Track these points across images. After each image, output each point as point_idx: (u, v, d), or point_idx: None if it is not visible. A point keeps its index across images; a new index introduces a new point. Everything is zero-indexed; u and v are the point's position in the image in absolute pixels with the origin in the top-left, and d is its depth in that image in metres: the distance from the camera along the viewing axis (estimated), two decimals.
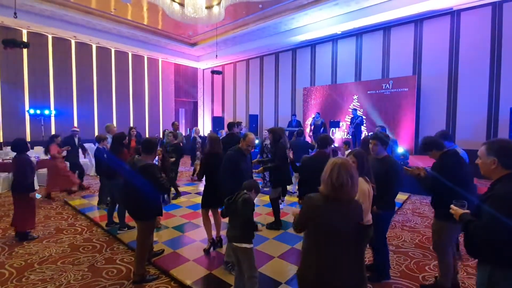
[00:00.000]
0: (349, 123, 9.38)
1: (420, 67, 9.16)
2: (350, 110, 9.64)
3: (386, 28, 9.78)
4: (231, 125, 5.57)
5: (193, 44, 13.63)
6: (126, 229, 4.23)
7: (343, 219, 1.57)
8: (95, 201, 5.76)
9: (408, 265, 3.27)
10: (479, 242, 1.48)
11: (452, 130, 8.53)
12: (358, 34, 10.41)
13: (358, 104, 9.82)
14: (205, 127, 16.44)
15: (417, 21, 9.14)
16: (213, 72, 11.37)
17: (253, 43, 12.24)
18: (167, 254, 3.48)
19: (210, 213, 3.63)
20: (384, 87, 9.31)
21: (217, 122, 12.28)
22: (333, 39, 11.03)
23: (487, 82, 8.01)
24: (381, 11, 8.69)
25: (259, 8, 9.74)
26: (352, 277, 1.58)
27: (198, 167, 6.62)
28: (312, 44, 11.71)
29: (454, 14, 8.49)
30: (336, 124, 9.45)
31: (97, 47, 12.38)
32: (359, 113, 9.35)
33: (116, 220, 4.37)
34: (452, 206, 1.75)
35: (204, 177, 3.61)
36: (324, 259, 1.56)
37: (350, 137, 8.78)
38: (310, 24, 10.34)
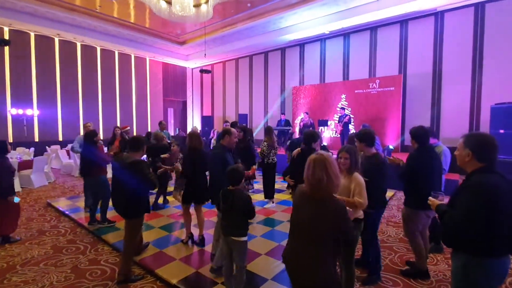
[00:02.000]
0: (337, 121, 9.48)
1: (406, 66, 9.34)
2: (338, 109, 9.74)
3: (372, 28, 9.93)
4: (234, 125, 5.63)
5: (182, 43, 13.50)
6: (106, 223, 4.26)
7: (318, 217, 1.57)
8: (79, 202, 5.64)
9: (392, 259, 3.33)
10: (453, 232, 1.52)
11: (436, 127, 8.73)
12: (345, 34, 10.54)
13: (346, 103, 9.95)
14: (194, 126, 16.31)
15: (403, 21, 9.32)
16: (201, 71, 11.29)
17: (242, 42, 12.22)
18: (153, 253, 3.43)
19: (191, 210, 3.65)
20: (371, 86, 9.46)
21: (206, 121, 12.20)
22: (321, 38, 11.13)
23: (470, 81, 8.24)
24: (368, 11, 8.82)
25: (247, 7, 9.73)
26: (315, 273, 1.57)
27: None
28: (301, 44, 11.79)
29: (438, 15, 8.70)
30: (325, 123, 9.54)
31: (82, 45, 12.12)
32: (347, 111, 9.47)
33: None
34: (430, 198, 1.79)
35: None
36: (291, 245, 1.72)
37: (339, 135, 8.88)
38: (299, 24, 10.40)
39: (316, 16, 9.81)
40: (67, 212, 5.04)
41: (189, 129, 15.37)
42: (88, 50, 12.34)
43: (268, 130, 5.13)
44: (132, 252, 2.97)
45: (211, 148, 7.54)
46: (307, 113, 9.67)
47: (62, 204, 5.61)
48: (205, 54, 11.22)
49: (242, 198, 2.41)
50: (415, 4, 8.20)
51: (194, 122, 16.62)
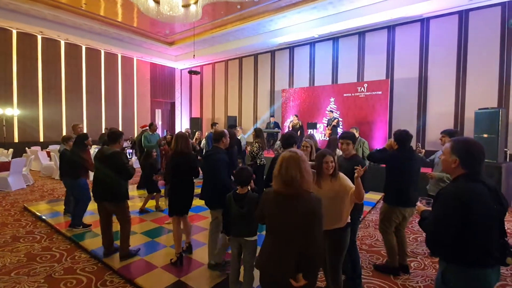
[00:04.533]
0: (326, 125, 9.49)
1: (393, 71, 9.47)
2: (328, 112, 9.77)
3: (361, 33, 10.03)
4: (232, 127, 5.56)
5: (170, 43, 13.30)
6: (81, 227, 4.13)
7: (292, 214, 1.57)
8: (58, 206, 5.38)
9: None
10: (429, 238, 1.48)
11: (422, 131, 8.88)
12: (334, 38, 10.61)
13: (335, 106, 9.99)
14: (182, 128, 16.07)
15: (390, 27, 9.46)
16: (190, 72, 11.14)
17: (232, 43, 12.15)
18: (133, 261, 3.27)
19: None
20: (359, 90, 9.53)
21: (194, 123, 12.02)
22: (311, 42, 11.17)
23: (454, 86, 8.42)
24: (356, 16, 8.91)
25: (237, 9, 9.67)
26: (290, 271, 1.57)
27: None
28: (291, 47, 11.81)
29: (424, 21, 8.87)
30: (313, 126, 9.54)
31: (66, 44, 11.76)
32: (335, 115, 9.49)
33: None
34: (417, 203, 1.75)
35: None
36: (267, 248, 1.68)
37: (327, 138, 8.87)
38: (289, 27, 10.42)
39: (305, 20, 9.85)
40: (44, 217, 4.80)
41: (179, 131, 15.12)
42: (73, 49, 11.98)
43: (259, 132, 5.04)
44: (130, 230, 3.40)
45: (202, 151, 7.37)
46: (296, 116, 9.62)
47: (39, 208, 5.34)
48: (193, 55, 11.07)
49: (255, 200, 2.40)
50: (401, 10, 8.33)
51: (182, 124, 16.37)
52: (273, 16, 9.67)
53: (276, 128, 10.16)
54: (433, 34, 8.74)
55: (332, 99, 10.12)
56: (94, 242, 3.76)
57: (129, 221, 3.39)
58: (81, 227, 4.14)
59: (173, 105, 16.76)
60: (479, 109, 6.37)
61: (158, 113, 16.18)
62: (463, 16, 8.24)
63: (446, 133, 3.64)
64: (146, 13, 8.74)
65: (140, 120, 14.44)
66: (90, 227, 4.19)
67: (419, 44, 8.97)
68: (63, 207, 5.05)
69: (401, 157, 2.98)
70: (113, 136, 3.35)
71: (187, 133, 6.17)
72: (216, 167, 3.04)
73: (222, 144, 3.14)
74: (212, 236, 3.04)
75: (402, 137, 3.01)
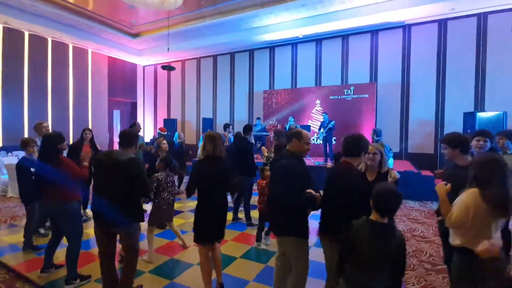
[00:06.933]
0: (318, 128, 9.06)
1: (376, 75, 9.58)
2: (320, 115, 9.43)
3: (344, 36, 9.98)
4: (248, 128, 4.71)
5: (135, 35, 11.75)
6: (78, 281, 2.82)
7: None
8: (10, 236, 3.96)
9: None
10: None
11: (405, 135, 9.10)
12: (317, 39, 10.40)
13: (321, 108, 9.73)
14: (146, 131, 14.41)
15: (373, 31, 9.56)
16: (164, 67, 9.87)
17: (208, 39, 11.18)
18: None
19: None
20: (345, 93, 9.43)
21: (169, 124, 10.74)
22: (293, 42, 10.81)
23: (434, 90, 8.79)
24: (342, 18, 8.79)
25: (220, 0, 8.83)
26: None
27: None
28: (271, 47, 11.30)
29: (405, 28, 9.12)
30: (307, 129, 9.13)
31: (5, 29, 9.52)
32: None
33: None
34: None
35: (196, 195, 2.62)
36: None
37: (321, 142, 8.53)
38: (272, 25, 9.89)
39: (291, 18, 9.44)
40: None
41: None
42: (13, 35, 9.74)
43: (279, 134, 4.30)
44: (136, 263, 2.59)
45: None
46: (292, 117, 9.03)
47: None
48: (168, 48, 9.82)
49: (401, 241, 1.63)
50: (385, 15, 8.42)
51: (146, 126, 14.68)
52: (258, 10, 9.04)
53: (264, 131, 9.53)
54: (415, 40, 9.04)
55: (318, 102, 9.86)
56: None
57: (137, 249, 2.59)
58: (79, 280, 2.82)
59: (134, 105, 14.97)
60: (476, 111, 6.62)
61: (117, 114, 14.25)
62: (442, 24, 8.66)
63: (504, 134, 3.38)
64: None
65: (96, 122, 12.48)
66: (90, 279, 2.89)
67: (401, 50, 9.20)
68: (22, 239, 3.67)
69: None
70: (127, 137, 2.54)
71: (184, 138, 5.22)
72: (283, 178, 2.16)
73: (294, 147, 2.27)
74: (279, 275, 2.27)
75: (460, 141, 2.35)
